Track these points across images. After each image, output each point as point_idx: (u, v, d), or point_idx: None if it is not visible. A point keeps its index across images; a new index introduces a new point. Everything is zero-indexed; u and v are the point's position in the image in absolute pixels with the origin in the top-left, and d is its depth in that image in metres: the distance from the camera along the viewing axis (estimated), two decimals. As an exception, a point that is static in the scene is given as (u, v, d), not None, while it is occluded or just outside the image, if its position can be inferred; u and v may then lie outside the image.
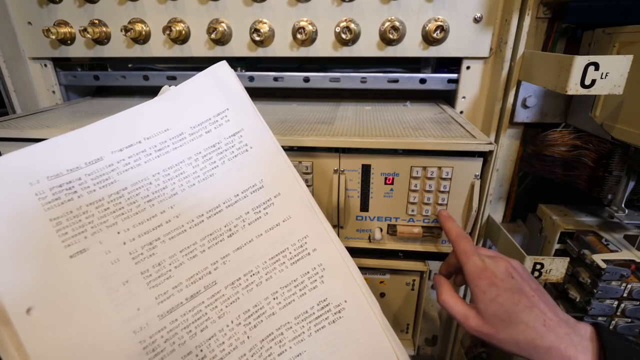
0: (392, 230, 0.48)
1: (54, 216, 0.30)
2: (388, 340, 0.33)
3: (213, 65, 0.39)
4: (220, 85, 0.38)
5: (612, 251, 0.49)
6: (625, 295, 0.47)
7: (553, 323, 0.32)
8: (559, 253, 0.55)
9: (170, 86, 0.39)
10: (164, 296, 0.31)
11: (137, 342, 0.29)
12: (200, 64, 0.74)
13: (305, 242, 0.35)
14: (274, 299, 0.33)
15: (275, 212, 0.35)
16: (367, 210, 0.48)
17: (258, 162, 0.36)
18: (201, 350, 0.30)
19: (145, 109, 0.37)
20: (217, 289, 0.32)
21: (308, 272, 0.34)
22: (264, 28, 0.58)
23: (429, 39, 0.57)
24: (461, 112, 0.62)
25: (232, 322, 0.32)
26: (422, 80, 0.62)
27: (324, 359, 0.32)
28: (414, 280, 0.53)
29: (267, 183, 0.36)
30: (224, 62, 0.39)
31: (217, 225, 0.34)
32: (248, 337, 0.31)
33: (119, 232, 0.31)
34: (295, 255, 0.34)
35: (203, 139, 0.36)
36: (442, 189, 0.45)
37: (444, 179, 0.45)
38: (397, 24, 0.55)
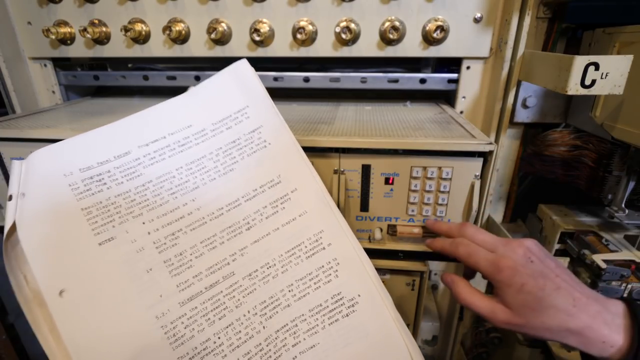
0: (392, 230, 0.48)
1: (85, 206, 0.32)
2: (400, 335, 0.33)
3: (234, 63, 0.41)
4: (241, 83, 0.40)
5: (612, 251, 0.48)
6: (625, 295, 0.47)
7: (582, 301, 0.30)
8: (559, 253, 0.55)
9: (191, 86, 0.41)
10: (184, 284, 0.32)
11: (159, 327, 0.30)
12: (200, 64, 0.75)
13: (321, 237, 0.35)
14: (289, 291, 0.34)
15: (291, 206, 0.36)
16: (367, 211, 0.48)
17: (276, 158, 0.37)
18: (219, 338, 0.31)
19: (170, 106, 0.39)
20: (235, 280, 0.33)
21: (323, 266, 0.35)
22: (264, 28, 0.58)
23: (429, 39, 0.57)
24: (461, 112, 0.62)
25: (248, 312, 0.32)
26: (422, 80, 0.62)
27: (337, 352, 0.32)
28: (414, 281, 0.53)
29: (284, 178, 0.37)
30: (245, 60, 0.41)
31: (236, 218, 0.35)
32: (264, 327, 0.32)
33: (144, 223, 0.33)
34: (310, 249, 0.35)
35: (224, 135, 0.38)
36: (442, 189, 0.45)
37: (444, 179, 0.45)
38: (397, 24, 0.55)
